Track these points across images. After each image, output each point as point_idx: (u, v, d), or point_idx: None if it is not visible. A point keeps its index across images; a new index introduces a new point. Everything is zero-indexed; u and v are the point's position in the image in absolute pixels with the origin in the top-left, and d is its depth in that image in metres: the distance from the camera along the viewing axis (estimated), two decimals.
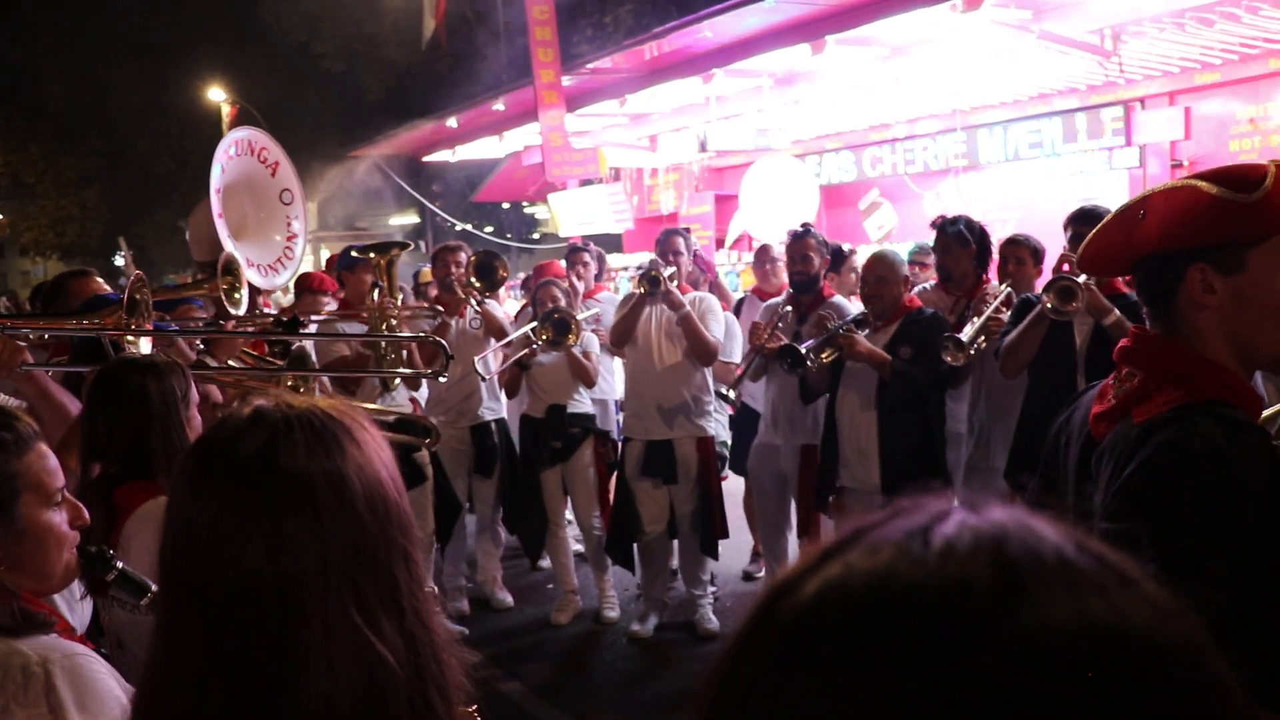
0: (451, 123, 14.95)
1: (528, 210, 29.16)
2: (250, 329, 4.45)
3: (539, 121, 12.49)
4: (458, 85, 17.38)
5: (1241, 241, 1.65)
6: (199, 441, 1.27)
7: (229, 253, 4.00)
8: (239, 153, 5.86)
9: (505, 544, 6.86)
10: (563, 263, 7.20)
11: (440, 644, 1.25)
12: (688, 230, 6.92)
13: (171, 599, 1.22)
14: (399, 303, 5.39)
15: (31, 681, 1.58)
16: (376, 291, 5.25)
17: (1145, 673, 0.50)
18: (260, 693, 1.14)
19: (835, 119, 11.94)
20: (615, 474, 6.29)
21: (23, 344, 3.00)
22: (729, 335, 5.93)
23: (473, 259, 6.21)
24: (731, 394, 5.58)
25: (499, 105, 13.83)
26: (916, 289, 5.76)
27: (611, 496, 6.27)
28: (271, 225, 6.07)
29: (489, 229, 23.11)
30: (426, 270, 8.11)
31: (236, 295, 3.79)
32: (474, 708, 1.30)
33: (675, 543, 6.11)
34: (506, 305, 8.15)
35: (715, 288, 7.27)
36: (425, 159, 17.62)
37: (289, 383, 3.70)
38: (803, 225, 5.86)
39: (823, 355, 4.92)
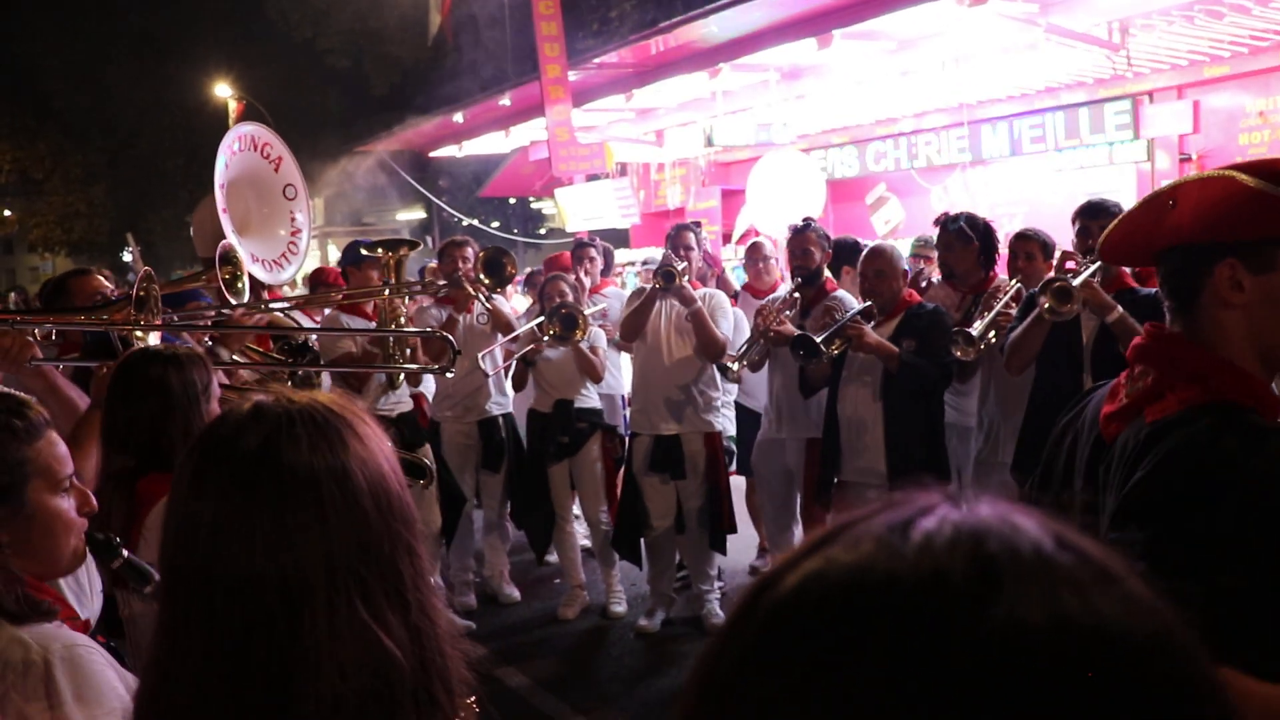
0: (458, 118, 14.94)
1: (534, 205, 29.18)
2: (256, 322, 4.45)
3: (545, 117, 12.47)
4: (464, 81, 17.40)
5: (1276, 239, 1.60)
6: (200, 438, 1.26)
7: (227, 242, 3.99)
8: (243, 148, 5.86)
9: (512, 539, 6.87)
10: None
11: (444, 637, 1.25)
12: (698, 224, 6.91)
13: (173, 596, 1.22)
14: (406, 301, 5.39)
15: (31, 671, 1.59)
16: (387, 290, 5.24)
17: (1118, 668, 0.50)
18: (263, 690, 1.14)
19: (842, 113, 11.91)
20: (622, 469, 6.30)
21: (31, 340, 3.01)
22: (737, 331, 5.93)
23: (482, 255, 6.21)
24: (734, 366, 5.52)
25: (505, 100, 13.82)
26: (924, 284, 5.77)
27: (619, 491, 6.28)
28: (276, 220, 6.08)
29: (495, 224, 23.13)
30: (433, 266, 8.12)
31: (238, 285, 3.80)
32: (473, 699, 1.30)
33: (682, 538, 6.11)
34: (513, 301, 8.15)
35: (721, 282, 7.26)
36: (432, 154, 17.61)
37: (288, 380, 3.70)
38: (804, 220, 5.86)
39: (832, 347, 4.92)
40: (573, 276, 6.59)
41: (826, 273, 5.79)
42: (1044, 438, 2.02)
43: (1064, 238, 4.95)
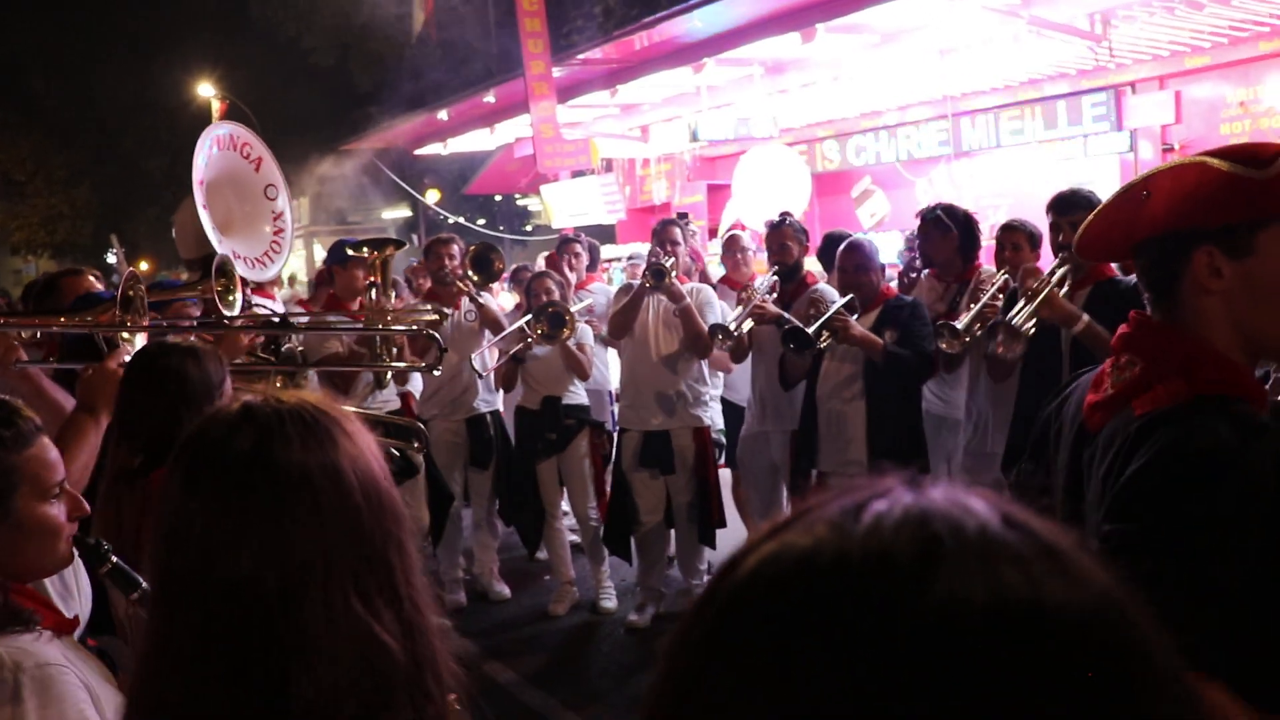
0: (442, 115, 14.91)
1: (520, 202, 29.13)
2: (243, 323, 4.44)
3: (530, 113, 12.46)
4: (448, 78, 17.34)
5: (1251, 222, 1.58)
6: (189, 439, 1.26)
7: (223, 255, 4.00)
8: (222, 148, 5.85)
9: (502, 535, 6.87)
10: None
11: (434, 631, 1.26)
12: (686, 217, 6.90)
13: (165, 599, 1.22)
14: (393, 300, 5.38)
15: (0, 686, 1.59)
16: (374, 290, 5.23)
17: (1058, 642, 0.51)
18: (259, 686, 1.15)
19: (826, 107, 11.93)
20: (611, 465, 6.30)
21: (16, 342, 3.00)
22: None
23: (470, 251, 6.20)
24: (731, 328, 5.45)
25: (489, 97, 13.80)
26: (913, 276, 5.80)
27: (608, 487, 6.29)
28: (258, 219, 6.07)
29: (481, 221, 23.09)
30: (417, 264, 8.11)
31: (230, 298, 3.80)
32: (454, 696, 1.30)
33: (672, 533, 6.12)
34: (500, 298, 8.14)
35: (703, 276, 7.27)
36: (417, 152, 17.58)
37: (278, 382, 3.70)
38: (780, 214, 5.89)
39: (821, 338, 4.95)
40: (559, 273, 6.60)
41: (807, 266, 5.82)
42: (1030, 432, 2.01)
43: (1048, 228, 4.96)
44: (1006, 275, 4.94)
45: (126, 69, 27.95)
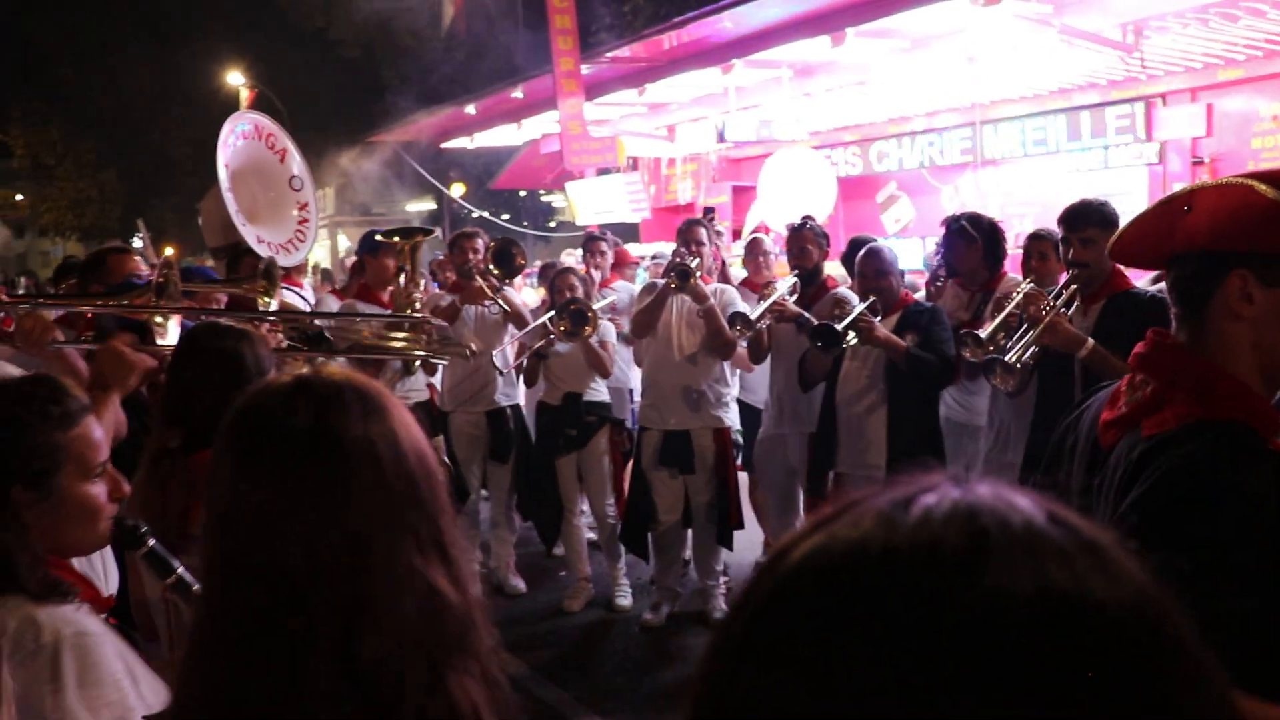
0: (470, 110, 14.96)
1: (544, 198, 29.16)
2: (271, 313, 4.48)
3: (557, 110, 12.48)
4: (476, 72, 17.41)
5: None
6: (244, 413, 1.29)
7: (268, 257, 4.06)
8: (247, 138, 5.91)
9: (519, 530, 6.89)
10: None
11: (477, 592, 1.32)
12: (712, 212, 6.89)
13: (224, 573, 1.24)
14: (421, 288, 5.42)
15: (40, 651, 1.63)
16: (401, 277, 5.27)
17: (1101, 638, 0.52)
18: (328, 654, 1.18)
19: (854, 111, 11.91)
20: (630, 463, 6.31)
21: (52, 322, 3.04)
22: None
23: (492, 246, 6.23)
24: (752, 316, 5.46)
25: (517, 93, 13.83)
26: (939, 284, 5.80)
27: (626, 485, 6.30)
28: (282, 206, 6.13)
29: (505, 216, 23.13)
30: (442, 258, 8.14)
31: (268, 300, 3.85)
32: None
33: (689, 532, 6.13)
34: (524, 293, 8.17)
35: (725, 278, 7.27)
36: (443, 145, 17.63)
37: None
38: (802, 218, 5.90)
39: (848, 337, 4.97)
40: (583, 269, 6.62)
41: (830, 270, 5.82)
42: (1047, 441, 2.00)
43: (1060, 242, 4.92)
44: (1032, 284, 4.93)
45: (154, 57, 28.16)
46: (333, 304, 6.55)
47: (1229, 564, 1.44)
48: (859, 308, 4.98)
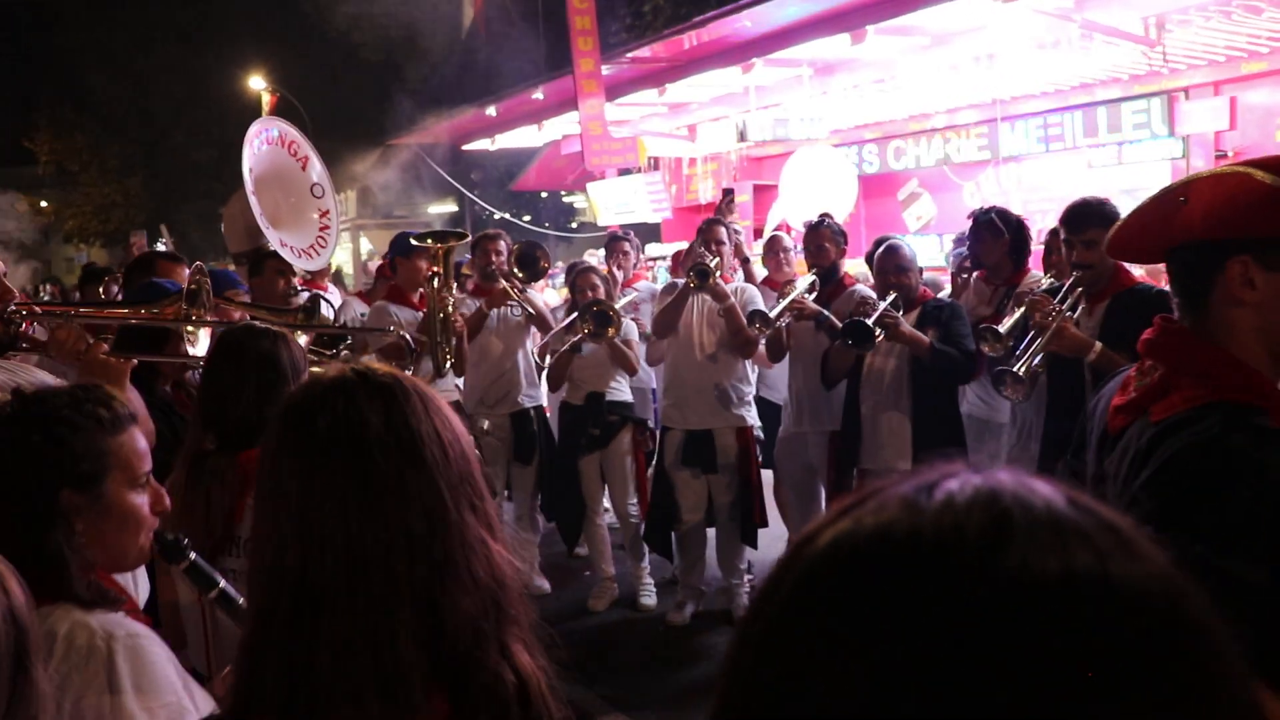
0: (490, 111, 15.00)
1: (565, 199, 29.21)
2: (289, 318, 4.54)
3: (578, 110, 12.50)
4: (497, 74, 17.45)
5: None
6: (310, 415, 1.34)
7: (316, 289, 4.17)
8: (271, 145, 5.98)
9: (543, 530, 6.92)
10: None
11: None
12: (731, 195, 6.89)
13: (315, 597, 1.28)
14: (454, 292, 5.47)
15: (93, 656, 1.63)
16: (436, 280, 5.32)
17: (1125, 618, 0.53)
18: (414, 627, 1.26)
19: (874, 109, 11.88)
20: (653, 462, 6.33)
21: (85, 331, 3.08)
22: None
23: (515, 249, 6.26)
24: (772, 315, 5.47)
25: (538, 94, 13.85)
26: (964, 278, 5.81)
27: (648, 484, 6.32)
28: (305, 211, 6.20)
29: (527, 218, 23.19)
30: (466, 261, 8.16)
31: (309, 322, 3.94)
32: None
33: (712, 531, 6.14)
34: (546, 295, 8.20)
35: (748, 275, 7.28)
36: (464, 147, 17.68)
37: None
38: (819, 216, 5.91)
39: (877, 334, 4.98)
40: (605, 269, 6.64)
41: (853, 268, 5.83)
42: (1064, 434, 2.01)
43: (1062, 244, 4.89)
44: (1052, 280, 4.93)
45: (178, 62, 28.36)
46: (358, 306, 6.61)
47: (1241, 542, 1.45)
48: (884, 304, 4.99)
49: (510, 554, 1.40)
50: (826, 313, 5.39)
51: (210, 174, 28.69)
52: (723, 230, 6.03)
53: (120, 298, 6.04)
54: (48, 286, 21.20)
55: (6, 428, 1.76)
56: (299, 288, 5.94)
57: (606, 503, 6.55)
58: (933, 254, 9.83)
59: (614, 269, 6.93)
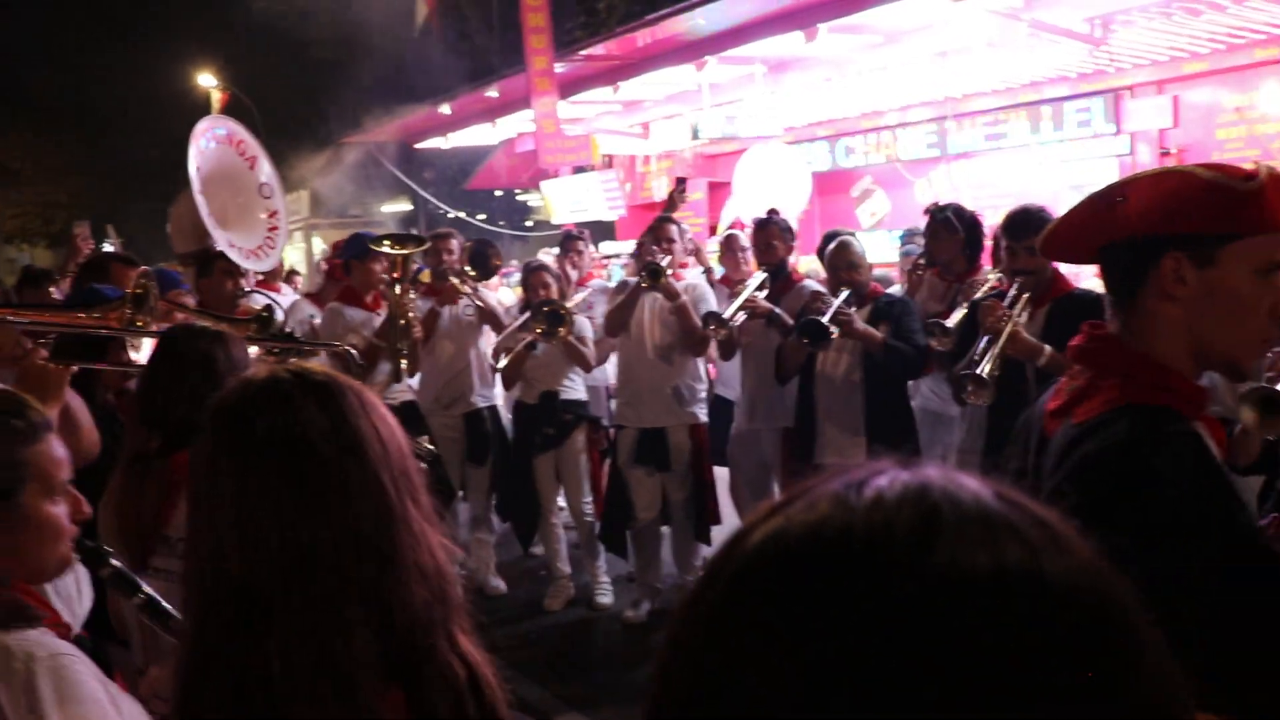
0: (444, 109, 14.91)
1: (520, 198, 29.10)
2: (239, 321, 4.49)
3: (532, 108, 12.47)
4: (450, 72, 17.35)
5: (1220, 235, 1.63)
6: (242, 414, 1.34)
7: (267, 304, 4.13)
8: (220, 142, 5.91)
9: (499, 531, 6.89)
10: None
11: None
12: (683, 183, 6.91)
13: (257, 599, 1.27)
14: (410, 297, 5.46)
15: (13, 679, 1.58)
16: (398, 286, 5.29)
17: (1057, 609, 0.53)
18: (365, 623, 1.26)
19: (828, 106, 11.94)
20: (608, 460, 6.32)
21: (21, 333, 3.01)
22: None
23: (467, 247, 6.23)
24: (725, 316, 5.51)
25: (492, 92, 13.80)
26: (919, 274, 5.85)
27: (604, 483, 6.31)
28: (253, 212, 6.13)
29: (481, 216, 23.08)
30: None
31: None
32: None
33: (667, 529, 6.15)
34: (501, 293, 8.16)
35: (698, 255, 7.30)
36: (417, 146, 17.56)
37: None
38: (767, 213, 5.93)
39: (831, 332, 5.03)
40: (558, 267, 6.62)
41: (808, 265, 5.86)
42: (1004, 431, 2.03)
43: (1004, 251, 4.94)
44: (1000, 276, 4.98)
45: (123, 59, 27.93)
46: (307, 308, 6.53)
47: (1144, 546, 1.44)
48: (837, 301, 5.03)
49: (451, 546, 1.42)
50: (778, 310, 5.43)
51: (158, 174, 28.28)
52: (673, 228, 6.04)
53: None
54: None
55: None
56: (249, 289, 5.87)
57: (562, 502, 6.54)
58: (886, 250, 9.89)
59: (568, 267, 6.91)
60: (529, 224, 27.00)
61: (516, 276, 10.23)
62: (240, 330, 3.91)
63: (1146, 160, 9.37)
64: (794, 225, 6.21)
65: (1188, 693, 0.57)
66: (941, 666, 0.50)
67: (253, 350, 4.01)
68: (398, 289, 5.35)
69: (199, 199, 5.73)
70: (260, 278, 6.67)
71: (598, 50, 12.23)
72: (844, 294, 5.11)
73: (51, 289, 5.89)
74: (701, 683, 0.57)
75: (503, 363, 6.14)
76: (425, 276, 6.45)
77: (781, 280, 5.73)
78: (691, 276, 6.14)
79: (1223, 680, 1.26)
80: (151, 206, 29.20)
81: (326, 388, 1.35)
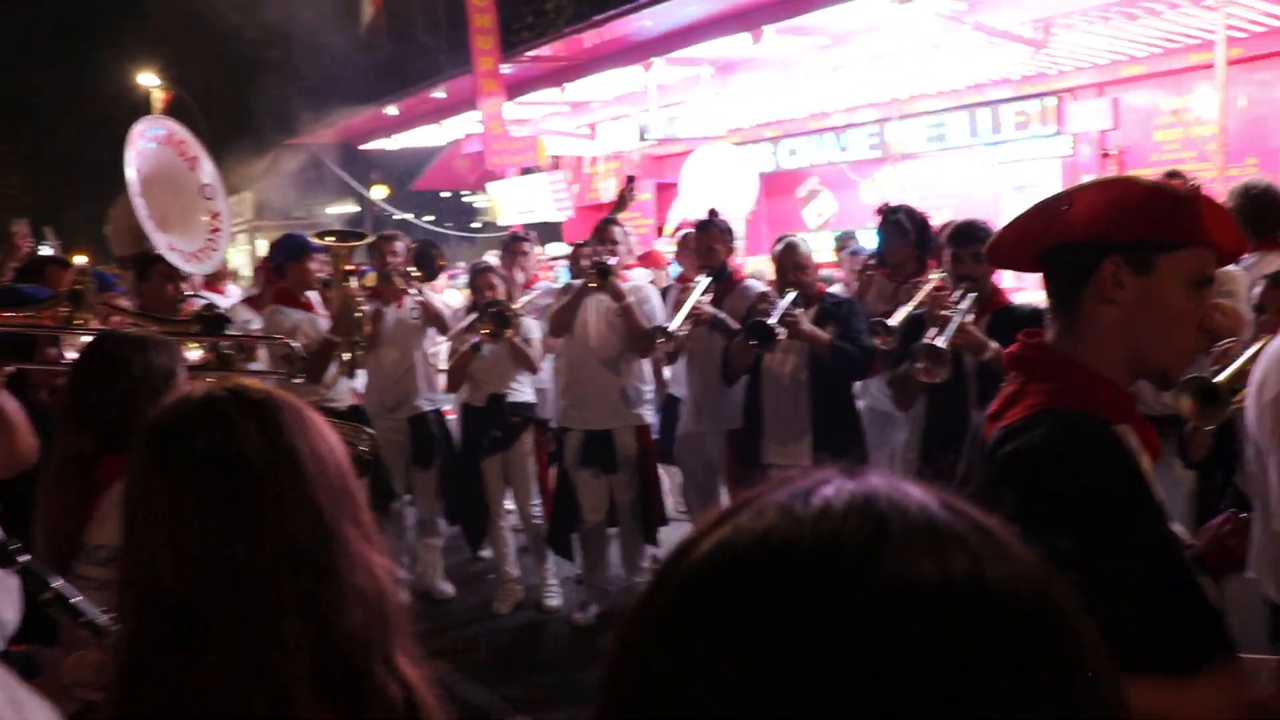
0: (391, 110, 14.80)
1: (466, 199, 28.96)
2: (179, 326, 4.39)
3: (479, 109, 12.41)
4: (397, 72, 17.20)
5: (1158, 242, 1.67)
6: (177, 432, 1.33)
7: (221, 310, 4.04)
8: (160, 142, 5.79)
9: (446, 534, 6.84)
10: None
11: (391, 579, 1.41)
12: (632, 181, 6.91)
13: (192, 615, 1.26)
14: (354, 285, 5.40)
15: None
16: (351, 280, 5.21)
17: (1002, 617, 0.53)
18: (302, 643, 1.24)
19: (774, 107, 12.01)
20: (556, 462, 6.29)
21: None
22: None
23: (411, 248, 6.17)
24: (671, 329, 5.51)
25: (439, 93, 13.72)
26: (869, 274, 5.89)
27: (552, 485, 6.28)
28: (194, 214, 6.02)
29: (428, 218, 22.93)
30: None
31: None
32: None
33: (614, 531, 6.13)
34: (445, 295, 8.10)
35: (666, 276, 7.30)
36: (363, 147, 17.42)
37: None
38: (708, 214, 5.96)
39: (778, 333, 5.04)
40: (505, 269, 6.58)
41: (756, 267, 5.87)
42: (942, 434, 2.05)
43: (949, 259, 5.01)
44: (945, 277, 5.02)
45: (65, 57, 27.44)
46: (243, 313, 6.41)
47: (1055, 549, 1.48)
48: (784, 302, 5.05)
49: (392, 566, 1.40)
50: (723, 316, 5.45)
51: (99, 175, 27.78)
52: (617, 230, 6.02)
53: None
54: None
55: None
56: (191, 292, 5.77)
57: (510, 504, 6.49)
58: (834, 252, 9.97)
59: (514, 270, 6.86)
60: (476, 226, 26.88)
61: (464, 278, 10.17)
62: (182, 332, 3.83)
63: (1088, 160, 9.53)
64: (741, 226, 6.23)
65: (1125, 696, 0.57)
66: (888, 675, 0.51)
67: (198, 353, 3.94)
68: (352, 282, 5.28)
69: (138, 202, 5.61)
70: (206, 280, 6.57)
71: (545, 51, 12.20)
72: (791, 295, 5.12)
73: None
74: (650, 688, 0.56)
75: (449, 363, 6.11)
76: (370, 280, 6.37)
77: (724, 282, 5.74)
78: (637, 278, 6.12)
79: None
80: (93, 209, 28.73)
81: (263, 405, 1.34)
